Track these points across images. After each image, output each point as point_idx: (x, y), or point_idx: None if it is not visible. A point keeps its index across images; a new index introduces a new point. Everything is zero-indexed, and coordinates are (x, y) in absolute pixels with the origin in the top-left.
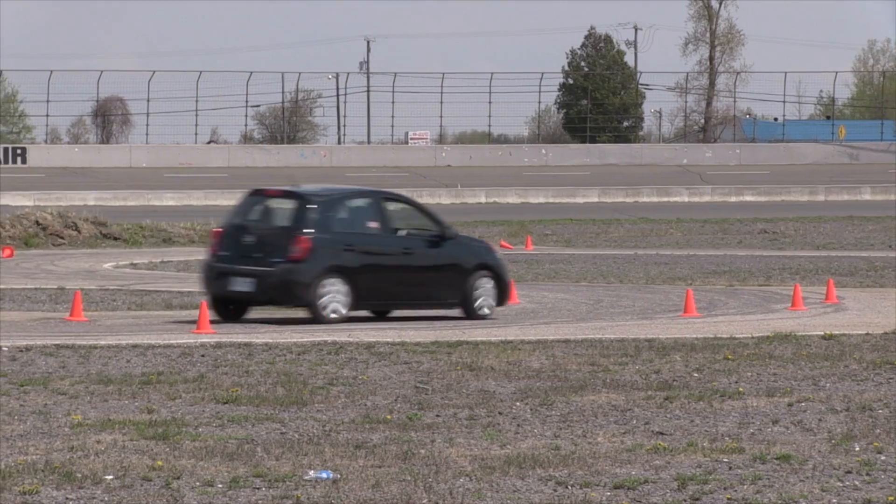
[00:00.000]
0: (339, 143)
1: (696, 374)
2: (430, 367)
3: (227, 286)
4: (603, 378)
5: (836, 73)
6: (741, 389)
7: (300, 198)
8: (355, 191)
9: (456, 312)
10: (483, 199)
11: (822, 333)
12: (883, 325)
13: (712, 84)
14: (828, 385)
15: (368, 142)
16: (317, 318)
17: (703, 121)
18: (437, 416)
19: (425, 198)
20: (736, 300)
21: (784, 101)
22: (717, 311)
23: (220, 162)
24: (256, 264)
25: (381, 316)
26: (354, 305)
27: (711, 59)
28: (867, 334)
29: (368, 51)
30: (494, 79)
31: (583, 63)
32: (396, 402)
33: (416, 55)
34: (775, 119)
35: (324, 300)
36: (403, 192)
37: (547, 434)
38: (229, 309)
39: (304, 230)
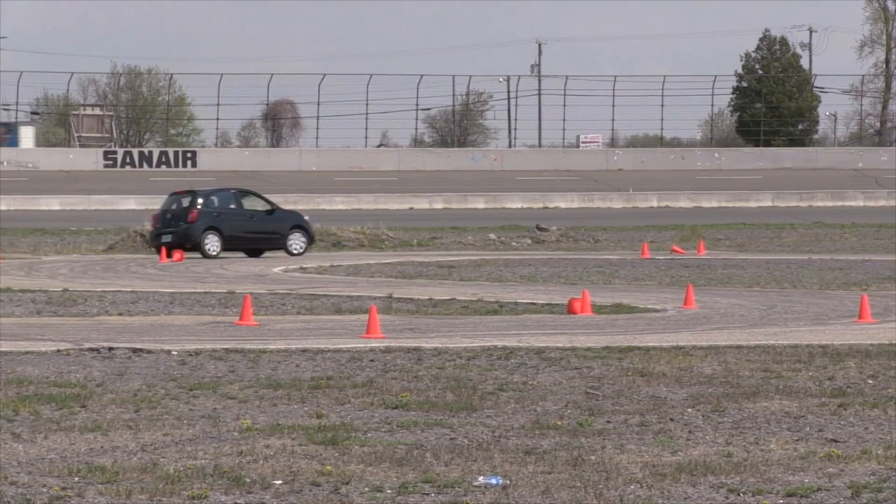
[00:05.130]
0: (509, 146)
1: (870, 381)
2: (600, 372)
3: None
4: (776, 384)
5: None
6: None
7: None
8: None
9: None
10: (655, 203)
11: None
12: None
13: (888, 87)
14: None
15: (539, 145)
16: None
17: (878, 124)
18: (608, 422)
19: (596, 202)
20: None
21: None
22: (892, 316)
23: (390, 165)
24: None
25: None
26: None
27: (887, 61)
28: None
29: (540, 53)
30: (667, 82)
31: (757, 66)
32: (567, 407)
33: (588, 58)
34: None
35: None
36: (574, 195)
37: (719, 441)
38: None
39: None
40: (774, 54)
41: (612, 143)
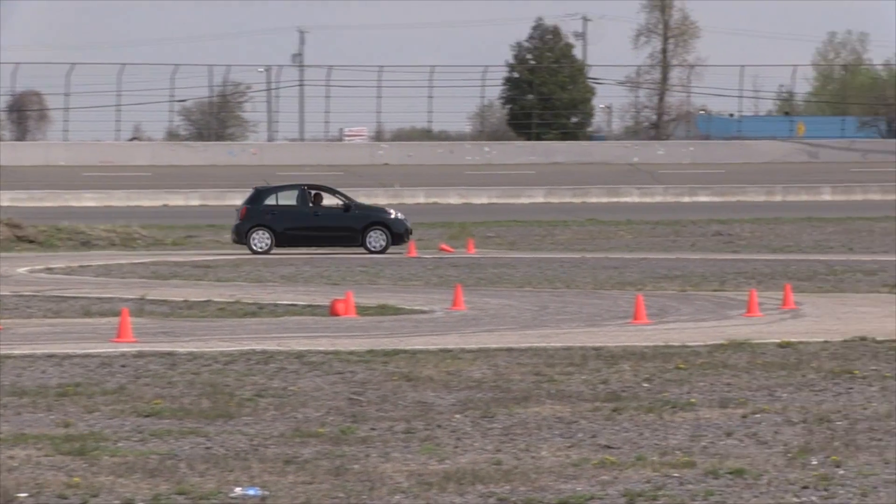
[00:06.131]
0: (269, 140)
1: (645, 385)
2: (364, 377)
3: None
4: (548, 389)
5: (795, 66)
6: (693, 400)
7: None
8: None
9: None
10: (422, 200)
11: (779, 341)
12: (842, 332)
13: (665, 78)
14: (784, 395)
15: (301, 139)
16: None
17: (655, 117)
18: (372, 429)
19: (361, 198)
20: (688, 306)
21: (740, 97)
22: (668, 317)
23: (144, 160)
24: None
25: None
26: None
27: (664, 51)
28: (826, 342)
29: (302, 42)
30: (435, 72)
31: (529, 56)
32: (329, 414)
33: (353, 47)
34: (731, 115)
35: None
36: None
37: (488, 448)
38: None
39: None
40: (547, 44)
41: (378, 136)
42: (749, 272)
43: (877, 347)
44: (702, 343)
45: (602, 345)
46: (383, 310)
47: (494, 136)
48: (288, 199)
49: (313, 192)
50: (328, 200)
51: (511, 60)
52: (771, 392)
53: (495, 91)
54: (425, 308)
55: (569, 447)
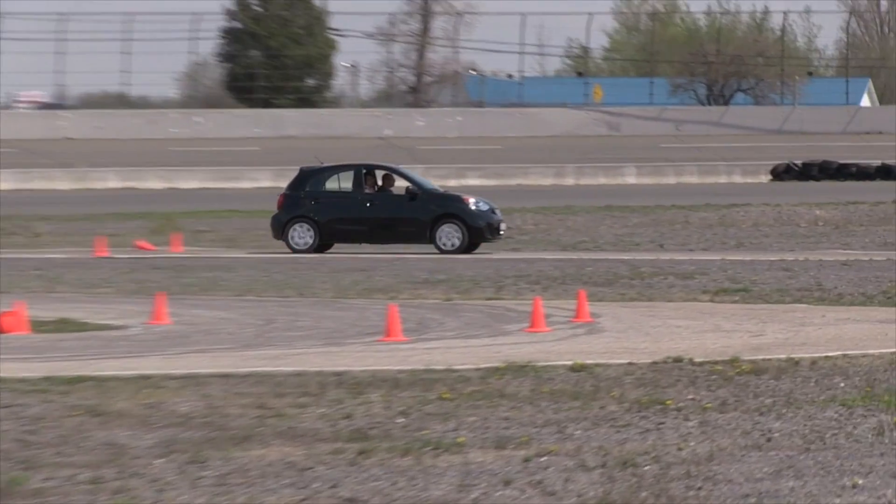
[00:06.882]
0: None
1: (401, 420)
2: (39, 411)
3: None
4: (275, 426)
5: (591, 15)
6: (461, 439)
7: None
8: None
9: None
10: (115, 184)
11: (571, 363)
12: (651, 351)
13: (426, 30)
14: (577, 433)
15: None
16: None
17: (413, 78)
18: (49, 478)
19: (36, 181)
20: (456, 319)
21: (521, 53)
22: (430, 333)
23: None
24: None
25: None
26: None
27: None
28: (630, 364)
29: None
30: (134, 23)
31: (253, 2)
32: None
33: None
34: (510, 76)
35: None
36: (6, 173)
37: (198, 502)
38: None
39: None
40: None
41: (59, 102)
42: (533, 275)
43: (695, 371)
44: (472, 366)
45: (345, 369)
46: (64, 325)
47: (208, 102)
48: (342, 182)
49: (380, 173)
50: (398, 185)
51: (232, 7)
52: (561, 429)
53: (210, 46)
54: (118, 322)
55: (302, 500)
